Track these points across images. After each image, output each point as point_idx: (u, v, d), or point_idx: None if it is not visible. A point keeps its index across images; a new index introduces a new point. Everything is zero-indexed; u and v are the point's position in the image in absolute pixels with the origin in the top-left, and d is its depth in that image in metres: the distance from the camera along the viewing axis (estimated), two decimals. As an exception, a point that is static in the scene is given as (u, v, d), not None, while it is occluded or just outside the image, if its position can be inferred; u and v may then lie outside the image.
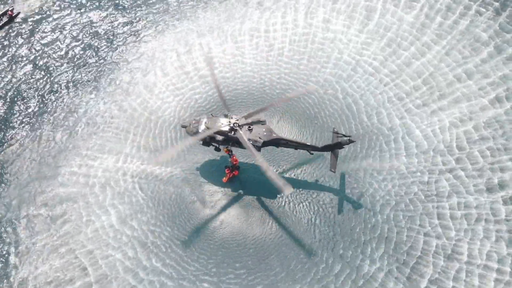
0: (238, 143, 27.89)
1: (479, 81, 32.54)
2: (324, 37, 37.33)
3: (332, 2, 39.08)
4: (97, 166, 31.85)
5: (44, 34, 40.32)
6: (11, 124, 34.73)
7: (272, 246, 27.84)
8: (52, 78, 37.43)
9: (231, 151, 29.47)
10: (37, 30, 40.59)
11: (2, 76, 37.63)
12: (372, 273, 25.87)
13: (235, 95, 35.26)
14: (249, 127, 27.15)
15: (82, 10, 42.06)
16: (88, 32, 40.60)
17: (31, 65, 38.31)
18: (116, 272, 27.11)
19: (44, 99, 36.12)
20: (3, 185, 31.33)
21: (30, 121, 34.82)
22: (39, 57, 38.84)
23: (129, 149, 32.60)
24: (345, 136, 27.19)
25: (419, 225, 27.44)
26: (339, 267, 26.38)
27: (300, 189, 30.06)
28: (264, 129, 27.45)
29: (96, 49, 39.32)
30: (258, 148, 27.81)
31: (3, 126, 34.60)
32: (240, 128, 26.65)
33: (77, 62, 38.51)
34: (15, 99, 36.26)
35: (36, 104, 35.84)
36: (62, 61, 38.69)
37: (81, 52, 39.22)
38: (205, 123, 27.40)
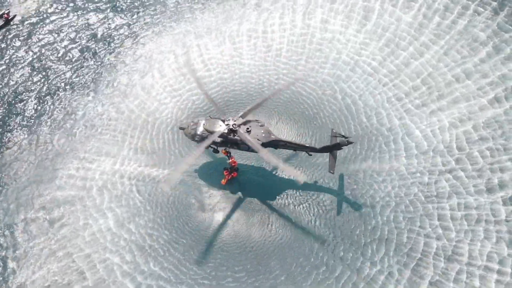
0: (236, 145, 27.80)
1: (478, 81, 32.42)
2: (322, 38, 37.18)
3: (330, 3, 38.94)
4: (94, 168, 31.65)
5: (41, 37, 40.09)
6: (8, 127, 34.54)
7: (272, 248, 27.62)
8: (49, 81, 37.22)
9: (230, 153, 29.30)
10: (34, 32, 40.36)
11: (-1, 78, 37.47)
12: (372, 275, 25.68)
13: (233, 96, 35.08)
14: (248, 128, 26.99)
15: (79, 12, 41.83)
16: (86, 34, 40.38)
17: (29, 68, 38.09)
18: (114, 276, 26.89)
19: (41, 102, 35.90)
20: (0, 188, 31.07)
21: (28, 123, 34.61)
22: (36, 60, 38.62)
23: (126, 151, 32.42)
24: (343, 137, 27.04)
25: (419, 226, 27.28)
26: (339, 270, 26.17)
27: (300, 191, 29.85)
28: (262, 131, 27.29)
29: (93, 51, 39.11)
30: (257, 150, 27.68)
31: (0, 129, 34.32)
32: (239, 128, 26.50)
33: (74, 65, 38.29)
34: (13, 101, 36.07)
35: (34, 107, 35.63)
36: (59, 63, 38.46)
37: (79, 54, 39.01)
38: (203, 125, 27.25)
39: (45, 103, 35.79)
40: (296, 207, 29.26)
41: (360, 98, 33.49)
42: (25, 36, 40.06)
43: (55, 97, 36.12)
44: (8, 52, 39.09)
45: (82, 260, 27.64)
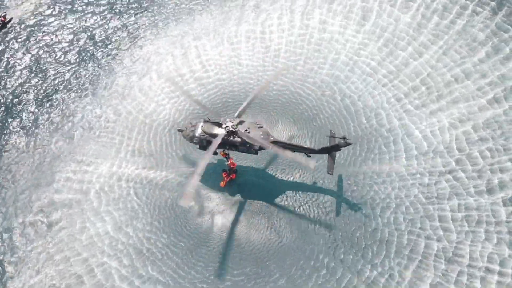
0: (235, 147, 27.56)
1: (477, 81, 32.28)
2: (321, 38, 36.98)
3: (329, 3, 38.72)
4: (92, 171, 31.39)
5: (38, 39, 39.78)
6: (6, 130, 34.23)
7: (271, 251, 27.34)
8: (47, 83, 36.92)
9: (228, 155, 29.03)
10: (31, 35, 40.03)
11: (-3, 81, 37.10)
12: (373, 278, 25.45)
13: (232, 96, 34.81)
14: (246, 130, 26.77)
15: (77, 15, 41.49)
16: (83, 36, 40.08)
17: (26, 70, 37.81)
18: (112, 281, 26.64)
19: (39, 104, 35.62)
20: (-3, 191, 30.79)
21: (25, 126, 34.34)
22: (34, 62, 38.34)
23: (124, 154, 32.17)
24: (342, 138, 26.84)
25: (420, 228, 27.08)
26: (340, 272, 25.93)
27: (299, 192, 29.62)
28: (261, 132, 27.07)
29: (91, 53, 38.82)
30: (256, 152, 27.51)
31: (-2, 132, 34.08)
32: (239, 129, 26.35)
33: (72, 67, 37.98)
34: (11, 104, 35.76)
35: (31, 109, 35.36)
36: (57, 65, 38.14)
37: (76, 56, 38.72)
38: (202, 127, 26.99)
39: (43, 105, 35.50)
40: (295, 209, 29.00)
41: (359, 99, 33.30)
42: (23, 38, 39.72)
43: (53, 99, 35.87)
44: (5, 54, 38.80)
45: (80, 264, 27.38)
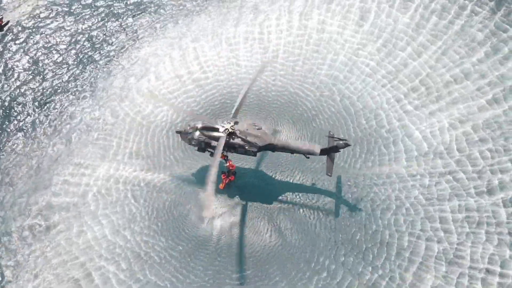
0: (234, 148, 27.33)
1: (476, 81, 32.19)
2: (319, 38, 36.77)
3: (327, 4, 38.49)
4: (89, 174, 31.02)
5: (36, 42, 39.38)
6: (4, 133, 33.80)
7: (272, 254, 27.09)
8: (45, 86, 36.56)
9: (227, 157, 28.76)
10: (29, 37, 39.62)
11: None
12: (374, 281, 25.24)
13: (230, 98, 34.54)
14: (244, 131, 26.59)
15: (75, 17, 41.10)
16: (81, 38, 39.71)
17: (24, 73, 37.43)
18: (110, 285, 26.25)
19: (37, 107, 35.23)
20: (-4, 194, 30.45)
21: (23, 129, 33.92)
22: (31, 65, 37.96)
23: (121, 156, 31.84)
24: (341, 139, 26.72)
25: (420, 230, 26.91)
26: (341, 275, 25.70)
27: (299, 194, 29.41)
28: (260, 134, 26.85)
29: (89, 55, 38.51)
30: (254, 153, 27.28)
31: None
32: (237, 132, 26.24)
33: (70, 69, 37.65)
34: (8, 107, 35.36)
35: (29, 112, 34.96)
36: (55, 68, 37.82)
37: (74, 58, 38.36)
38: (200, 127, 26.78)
39: (41, 108, 35.14)
40: (295, 211, 28.78)
41: (359, 100, 33.12)
42: (20, 41, 39.32)
43: (51, 102, 35.51)
44: (2, 57, 38.31)
45: (77, 268, 27.00)
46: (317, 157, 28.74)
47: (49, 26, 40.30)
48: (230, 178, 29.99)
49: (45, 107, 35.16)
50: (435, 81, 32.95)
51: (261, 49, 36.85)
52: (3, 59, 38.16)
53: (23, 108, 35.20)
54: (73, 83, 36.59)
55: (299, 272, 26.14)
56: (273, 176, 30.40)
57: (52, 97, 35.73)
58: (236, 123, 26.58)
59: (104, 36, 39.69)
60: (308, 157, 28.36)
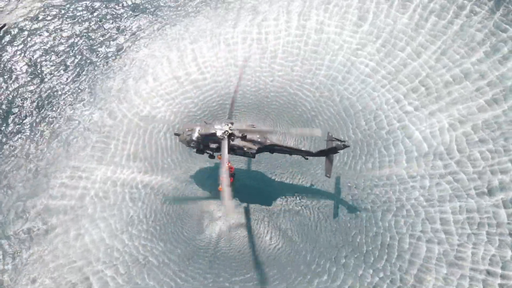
0: (232, 150, 27.09)
1: (476, 81, 32.07)
2: (318, 39, 36.53)
3: (325, 4, 38.27)
4: (87, 177, 30.68)
5: (33, 44, 38.90)
6: (1, 136, 33.35)
7: (271, 257, 26.84)
8: (43, 88, 36.10)
9: (226, 159, 28.47)
10: (26, 40, 39.13)
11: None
12: (375, 283, 25.07)
13: (228, 98, 34.17)
14: (243, 133, 26.37)
15: (72, 19, 40.64)
16: (79, 40, 39.28)
17: (22, 76, 36.95)
18: (107, 289, 25.90)
19: (35, 110, 34.81)
20: (-6, 197, 30.12)
21: (21, 131, 33.51)
22: (29, 68, 37.46)
23: (119, 158, 31.50)
24: (339, 141, 26.55)
25: (421, 231, 26.77)
26: (341, 277, 25.50)
27: (299, 196, 29.18)
28: (258, 135, 26.70)
29: (87, 57, 38.07)
30: (253, 155, 27.10)
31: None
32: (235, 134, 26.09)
33: (68, 71, 37.24)
34: (6, 109, 34.85)
35: (27, 115, 34.54)
36: (53, 70, 37.35)
37: (72, 60, 37.89)
38: (199, 131, 26.58)
39: (38, 110, 34.75)
40: (295, 213, 28.54)
41: (358, 101, 32.91)
42: (18, 44, 38.86)
43: (48, 104, 35.08)
44: (0, 60, 37.76)
45: (75, 272, 26.69)
46: (316, 158, 28.63)
47: (46, 28, 39.88)
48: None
49: (43, 109, 34.79)
50: (435, 82, 32.80)
51: (259, 50, 36.58)
52: (0, 62, 37.76)
53: (21, 111, 34.82)
54: (71, 85, 36.22)
55: (300, 275, 25.91)
56: (273, 178, 30.15)
57: (50, 99, 35.36)
58: (231, 123, 26.31)
59: (102, 38, 39.34)
60: (307, 158, 28.29)
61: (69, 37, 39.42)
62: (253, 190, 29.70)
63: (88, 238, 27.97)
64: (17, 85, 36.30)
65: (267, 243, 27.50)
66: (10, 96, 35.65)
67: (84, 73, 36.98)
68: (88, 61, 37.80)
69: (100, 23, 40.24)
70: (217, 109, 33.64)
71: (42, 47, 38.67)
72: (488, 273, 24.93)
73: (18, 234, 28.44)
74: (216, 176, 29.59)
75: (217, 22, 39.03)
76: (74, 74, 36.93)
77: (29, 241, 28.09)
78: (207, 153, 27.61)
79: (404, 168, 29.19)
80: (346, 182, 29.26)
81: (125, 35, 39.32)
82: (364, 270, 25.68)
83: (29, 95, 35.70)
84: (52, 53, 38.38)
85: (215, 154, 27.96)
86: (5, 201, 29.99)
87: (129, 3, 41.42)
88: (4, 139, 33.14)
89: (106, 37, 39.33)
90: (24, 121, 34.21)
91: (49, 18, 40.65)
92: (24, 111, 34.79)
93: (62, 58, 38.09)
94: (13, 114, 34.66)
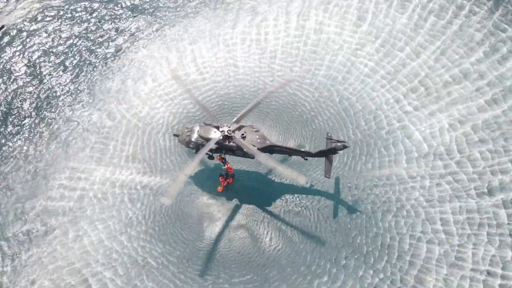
0: (231, 151, 27.06)
1: (475, 81, 32.00)
2: (317, 39, 36.48)
3: (325, 4, 38.24)
4: (85, 178, 30.55)
5: (32, 45, 38.77)
6: (1, 136, 33.26)
7: (271, 258, 26.70)
8: (42, 89, 36.01)
9: (225, 159, 28.44)
10: (25, 41, 39.00)
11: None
12: (375, 284, 24.95)
13: (228, 99, 34.21)
14: (243, 134, 26.30)
15: (71, 20, 40.56)
16: (78, 41, 39.18)
17: (20, 77, 36.80)
18: (106, 291, 25.78)
19: (33, 111, 34.69)
20: (-9, 199, 30.02)
21: (20, 133, 33.39)
22: (28, 69, 37.32)
23: (118, 159, 31.40)
24: (339, 141, 26.48)
25: (421, 232, 26.64)
26: (342, 279, 25.36)
27: (298, 196, 29.07)
28: (257, 136, 26.65)
29: (86, 57, 37.97)
30: (253, 156, 26.94)
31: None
32: (234, 134, 25.88)
33: (66, 72, 37.11)
34: (5, 111, 34.76)
35: (26, 116, 34.43)
36: (52, 71, 37.20)
37: (71, 61, 37.77)
38: (198, 131, 26.50)
39: (37, 111, 34.63)
40: (295, 213, 28.43)
41: (358, 101, 32.83)
42: (16, 45, 38.77)
43: (47, 105, 34.98)
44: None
45: (74, 274, 26.52)
46: (316, 159, 28.55)
47: (45, 29, 39.81)
48: (228, 180, 29.62)
49: (42, 110, 34.72)
50: (434, 82, 32.73)
51: (258, 50, 36.54)
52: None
53: (20, 112, 34.74)
54: (70, 86, 36.13)
55: (300, 276, 25.77)
56: (272, 179, 30.07)
57: (49, 100, 35.28)
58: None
59: (101, 38, 39.29)
60: (306, 159, 28.23)
61: (68, 38, 39.38)
62: (253, 191, 29.58)
63: (87, 239, 27.84)
64: (16, 86, 36.24)
65: (267, 244, 27.39)
66: (9, 97, 35.59)
67: (83, 74, 36.93)
68: (87, 62, 37.76)
69: (99, 24, 40.23)
70: (216, 109, 33.56)
71: (41, 48, 38.63)
72: (488, 273, 24.80)
73: (17, 235, 28.35)
74: (216, 177, 29.62)
75: (216, 22, 39.01)
76: (73, 75, 36.89)
77: (28, 243, 27.98)
78: (207, 153, 27.44)
79: (404, 168, 29.10)
80: (346, 183, 29.15)
81: (124, 36, 39.29)
82: (365, 271, 25.55)
83: (28, 96, 35.64)
84: (51, 54, 38.32)
85: (214, 155, 27.90)
86: (4, 202, 29.91)
87: (128, 4, 41.40)
88: (3, 140, 33.08)
89: (105, 38, 39.29)
90: (23, 122, 34.14)
91: (48, 19, 40.60)
92: (23, 112, 34.73)
93: (61, 59, 38.06)
94: (12, 115, 34.60)
